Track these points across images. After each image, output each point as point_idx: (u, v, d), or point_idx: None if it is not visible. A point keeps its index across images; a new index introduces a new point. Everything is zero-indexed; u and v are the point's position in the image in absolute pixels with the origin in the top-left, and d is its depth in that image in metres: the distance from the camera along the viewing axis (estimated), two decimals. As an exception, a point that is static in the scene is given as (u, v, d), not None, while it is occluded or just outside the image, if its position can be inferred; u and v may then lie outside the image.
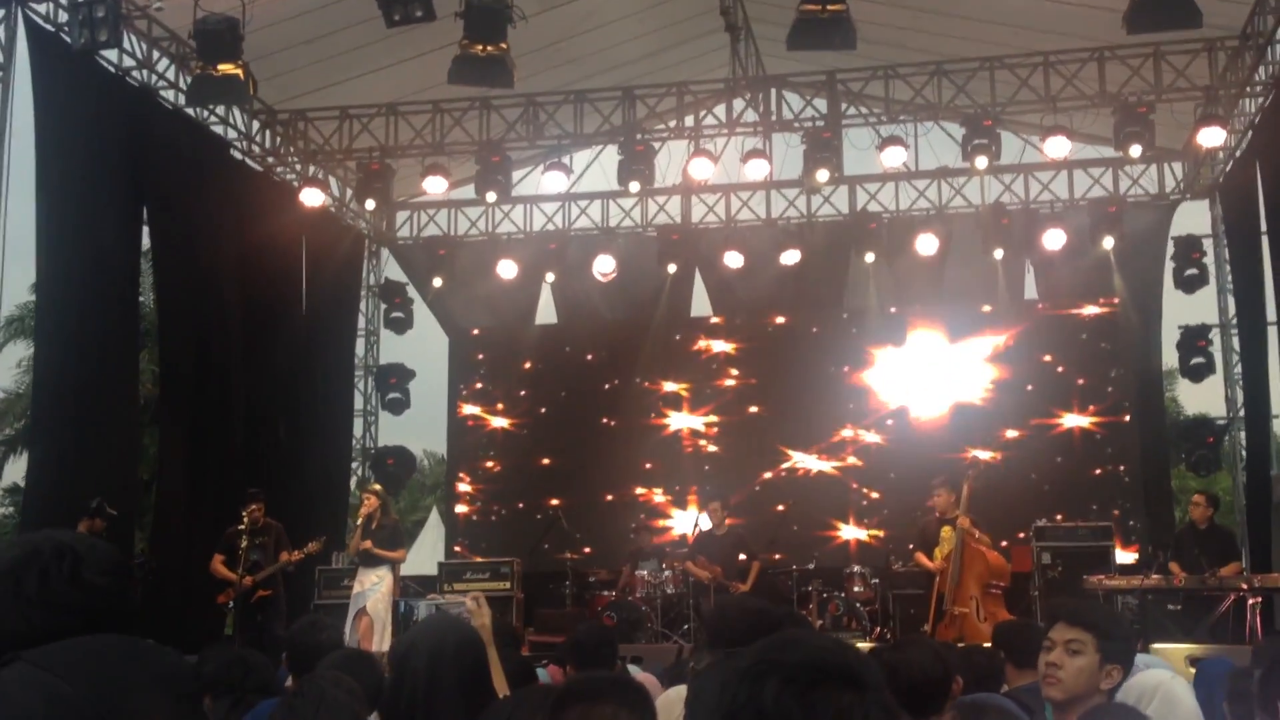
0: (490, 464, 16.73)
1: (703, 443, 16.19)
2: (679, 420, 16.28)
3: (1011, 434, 15.29)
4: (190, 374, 12.71)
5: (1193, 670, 7.12)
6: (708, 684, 2.90)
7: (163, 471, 12.88)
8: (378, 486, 12.59)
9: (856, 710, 1.60)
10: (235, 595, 11.31)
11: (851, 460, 15.77)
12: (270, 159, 15.08)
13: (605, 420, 16.41)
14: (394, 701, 3.18)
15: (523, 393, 16.78)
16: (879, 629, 12.94)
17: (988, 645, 5.75)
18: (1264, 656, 6.67)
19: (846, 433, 15.81)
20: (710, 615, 4.60)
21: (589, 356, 16.68)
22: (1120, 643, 3.42)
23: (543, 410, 16.66)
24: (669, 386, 16.40)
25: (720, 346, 16.41)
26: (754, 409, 16.10)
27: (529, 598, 13.48)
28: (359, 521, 11.92)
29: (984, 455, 14.46)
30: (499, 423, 16.77)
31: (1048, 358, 15.60)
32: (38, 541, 2.14)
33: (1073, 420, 15.32)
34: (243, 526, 11.40)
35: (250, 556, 11.44)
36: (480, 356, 17.16)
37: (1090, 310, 15.66)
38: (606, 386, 16.55)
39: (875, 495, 15.57)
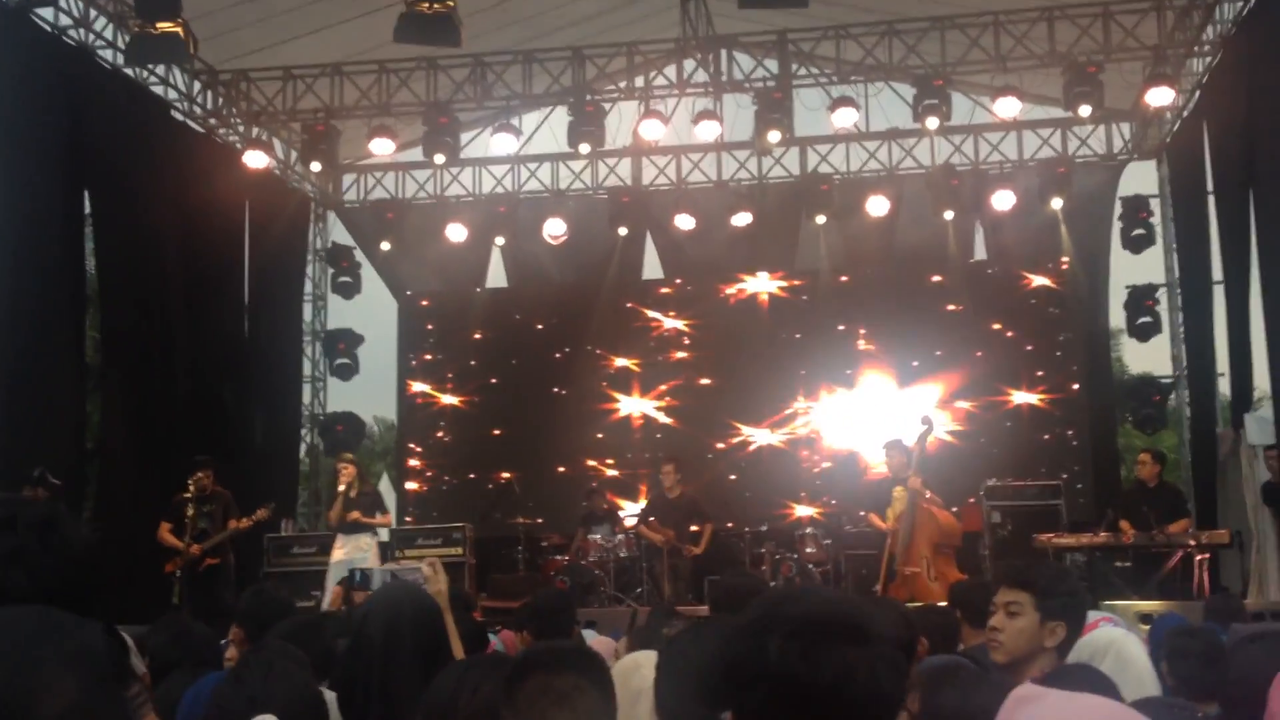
0: (440, 435, 16.57)
1: (654, 417, 16.04)
2: (630, 405, 16.12)
3: (962, 404, 15.25)
4: (132, 340, 12.46)
5: (1145, 627, 7.21)
6: (685, 648, 2.86)
7: (106, 439, 12.67)
8: (350, 455, 12.51)
9: (862, 665, 1.57)
10: (183, 564, 11.18)
11: (801, 431, 15.73)
12: (212, 120, 14.78)
13: (556, 390, 16.27)
14: (350, 670, 3.11)
15: (472, 362, 16.60)
16: (828, 582, 13.02)
17: (943, 605, 5.77)
18: (1214, 612, 6.78)
19: (799, 403, 15.76)
20: (714, 587, 4.58)
21: (539, 325, 16.50)
22: (1060, 599, 3.42)
23: (493, 380, 16.49)
24: (620, 362, 16.21)
25: (671, 323, 16.24)
26: (705, 381, 15.99)
27: (481, 563, 13.45)
28: (340, 489, 11.84)
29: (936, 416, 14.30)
30: (449, 399, 16.56)
31: (996, 325, 15.61)
32: (14, 503, 2.04)
33: (1022, 397, 15.31)
34: (189, 494, 11.25)
35: (198, 524, 11.31)
36: (429, 326, 16.94)
37: (1039, 279, 15.63)
38: (557, 355, 16.39)
39: (826, 465, 15.56)
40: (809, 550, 13.18)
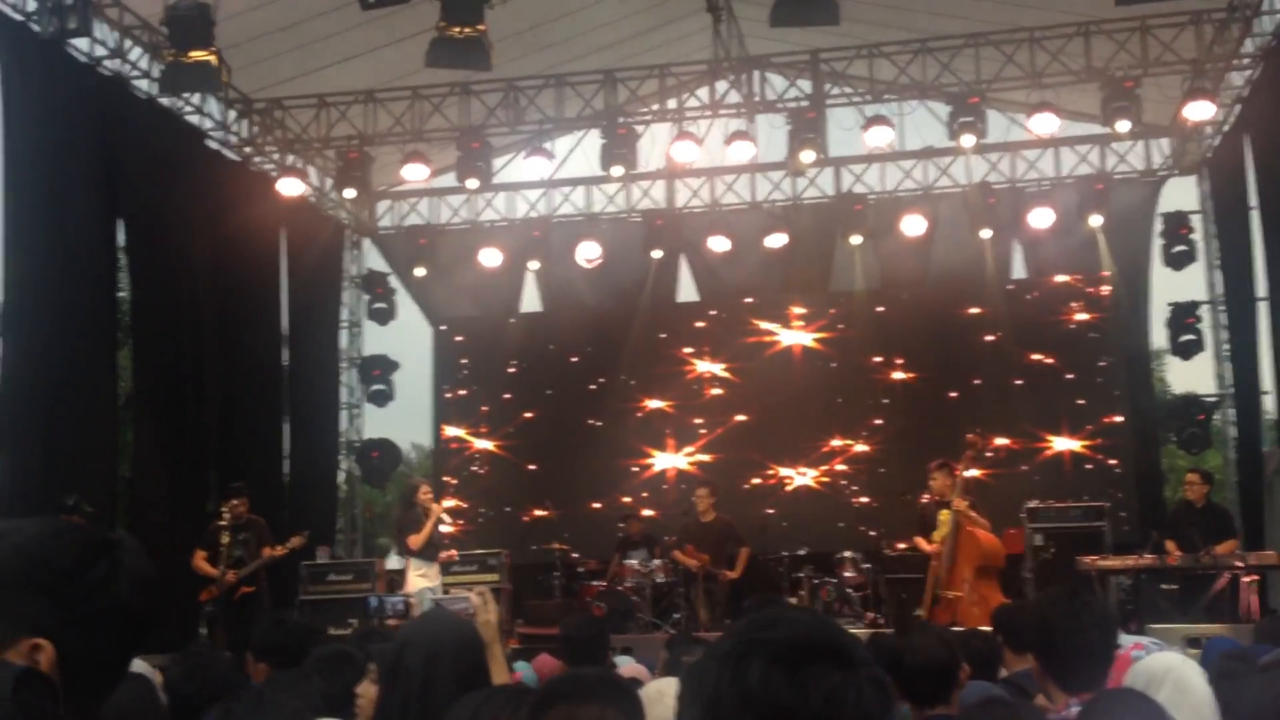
0: (476, 468, 16.41)
1: (689, 470, 15.64)
2: (664, 460, 15.82)
3: (1002, 441, 14.69)
4: (165, 369, 12.49)
5: (1194, 651, 7.03)
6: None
7: (139, 468, 12.66)
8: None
9: (849, 688, 1.49)
10: (218, 593, 11.14)
11: (840, 467, 15.49)
12: (247, 149, 14.86)
13: (591, 421, 16.16)
14: (387, 700, 3.03)
15: (506, 395, 16.48)
16: (871, 614, 12.83)
17: (985, 629, 5.63)
18: (1266, 636, 6.59)
19: (835, 442, 15.52)
20: (742, 615, 4.48)
21: (573, 358, 16.31)
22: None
23: (527, 416, 16.35)
24: (653, 404, 15.97)
25: (705, 366, 15.98)
26: (741, 417, 15.69)
27: (518, 589, 13.35)
28: (431, 515, 11.60)
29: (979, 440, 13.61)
30: (483, 444, 16.43)
31: (1036, 355, 15.19)
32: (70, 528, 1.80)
33: (1063, 443, 14.88)
34: (224, 522, 11.22)
35: (233, 553, 11.26)
36: (464, 360, 16.84)
37: (1079, 304, 15.26)
38: (592, 387, 16.25)
39: (865, 500, 15.29)
40: (848, 574, 13.01)
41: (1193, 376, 16.93)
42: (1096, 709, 2.83)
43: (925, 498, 11.73)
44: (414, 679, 2.96)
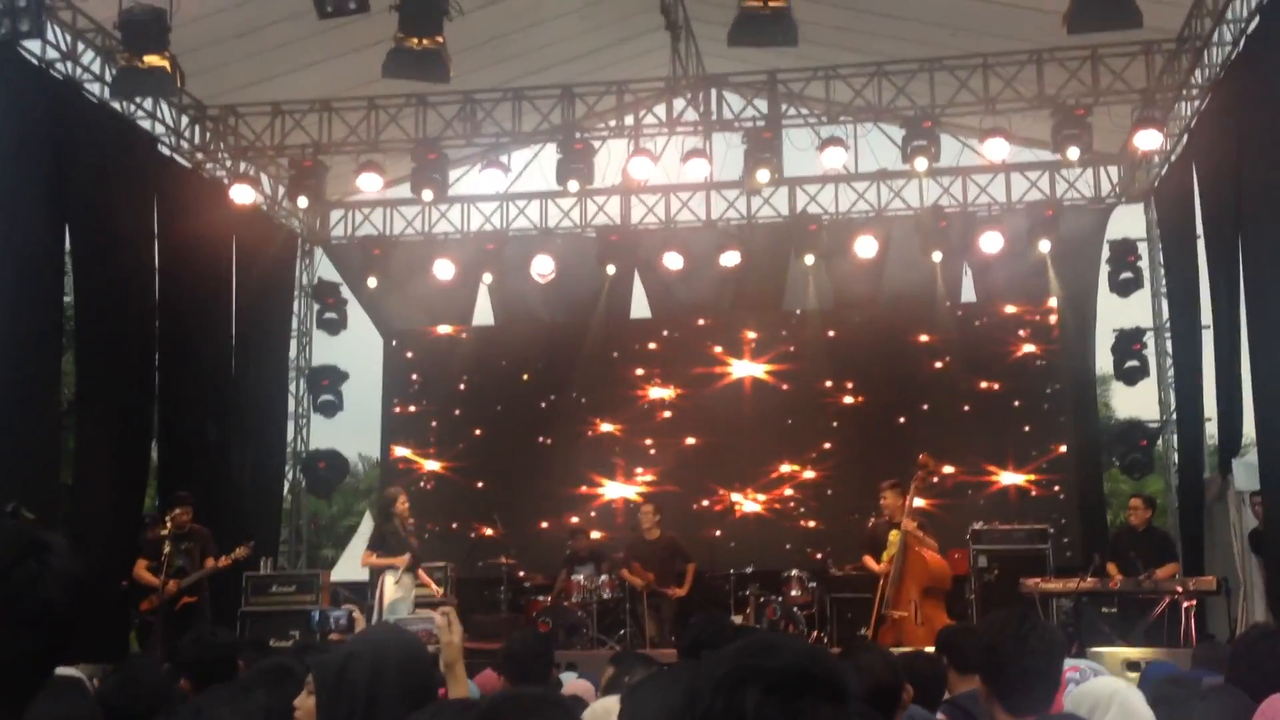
0: (424, 485, 16.29)
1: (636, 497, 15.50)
2: (614, 490, 15.82)
3: (949, 470, 14.72)
4: (110, 375, 12.31)
5: (1132, 674, 7.11)
6: (646, 698, 2.75)
7: (80, 475, 12.46)
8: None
9: None
10: (159, 602, 11.01)
11: (789, 492, 15.57)
12: (199, 155, 14.73)
13: (541, 439, 16.15)
14: (330, 715, 2.98)
15: (456, 412, 16.47)
16: (816, 633, 12.89)
17: (929, 650, 5.66)
18: (1203, 661, 6.67)
19: (785, 468, 15.59)
20: (683, 634, 4.48)
21: (525, 375, 16.33)
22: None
23: (477, 432, 16.33)
24: (605, 427, 16.01)
25: (657, 392, 16.03)
26: (690, 440, 15.78)
27: (463, 603, 13.24)
28: (409, 525, 11.44)
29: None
30: (431, 465, 16.34)
31: (984, 383, 15.43)
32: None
33: (1009, 478, 15.08)
34: (166, 531, 11.09)
35: (175, 562, 11.14)
36: (414, 376, 16.80)
37: (1025, 332, 15.52)
38: (543, 405, 16.28)
39: (813, 525, 15.36)
40: (794, 593, 13.04)
41: (1136, 403, 17.12)
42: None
43: (873, 520, 11.80)
44: (358, 694, 2.92)
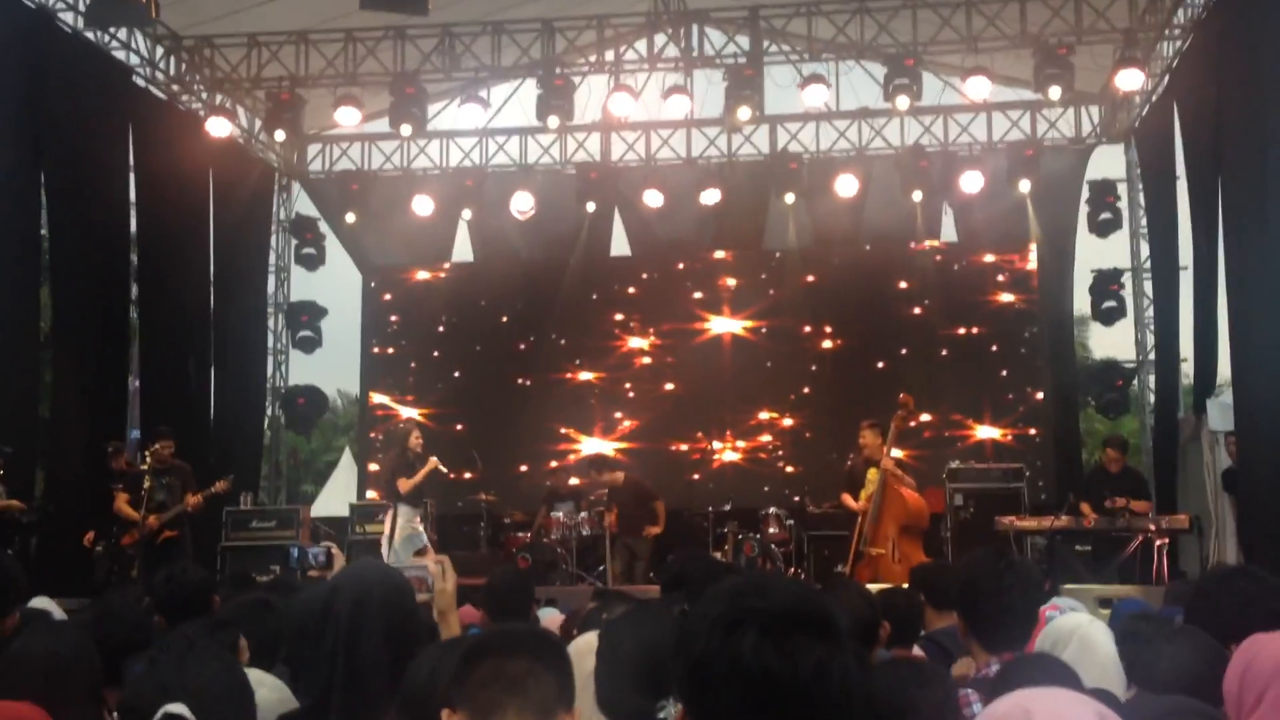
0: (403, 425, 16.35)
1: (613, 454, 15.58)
2: (590, 445, 15.83)
3: (925, 418, 14.83)
4: (86, 310, 12.19)
5: (1104, 611, 7.20)
6: (623, 635, 2.78)
7: (57, 408, 12.37)
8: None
9: (835, 661, 1.54)
10: (139, 537, 11.02)
11: (766, 438, 15.68)
12: (175, 87, 14.54)
13: (520, 380, 16.18)
14: (313, 649, 2.99)
15: (435, 353, 16.54)
16: (794, 570, 13.01)
17: (906, 587, 5.72)
18: (1175, 598, 6.76)
19: (763, 415, 15.69)
20: (663, 570, 4.52)
21: (504, 317, 16.40)
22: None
23: (456, 374, 16.38)
24: (584, 375, 16.07)
25: (636, 342, 16.12)
26: (669, 386, 15.92)
27: (443, 540, 13.30)
28: (428, 468, 11.40)
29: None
30: (409, 412, 16.33)
31: (961, 330, 15.58)
32: None
33: (986, 431, 15.25)
34: (147, 465, 11.08)
35: (156, 496, 11.13)
36: (392, 317, 16.84)
37: (1004, 275, 15.63)
38: (522, 346, 16.32)
39: (791, 470, 15.50)
40: (772, 530, 13.14)
41: (1111, 343, 17.21)
42: (1012, 670, 2.89)
43: (850, 460, 11.85)
44: (341, 627, 2.93)
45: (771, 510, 13.36)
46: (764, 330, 15.87)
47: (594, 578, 12.52)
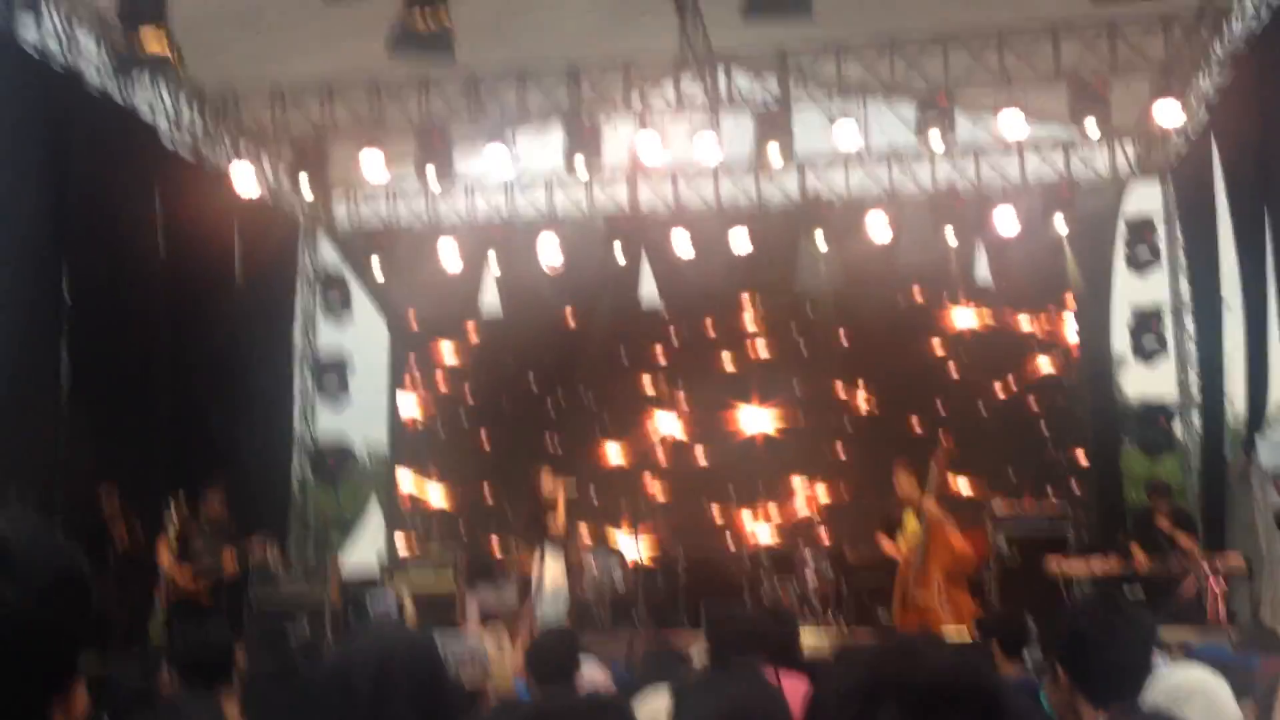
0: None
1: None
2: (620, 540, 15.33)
3: (967, 492, 14.59)
4: (107, 365, 11.97)
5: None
6: (704, 702, 2.52)
7: (73, 464, 12.11)
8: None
9: None
10: (173, 596, 10.82)
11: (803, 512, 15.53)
12: (200, 139, 14.45)
13: (549, 437, 16.04)
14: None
15: (463, 416, 16.47)
16: (828, 610, 12.74)
17: (971, 639, 5.44)
18: (1248, 643, 6.47)
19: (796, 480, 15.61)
20: (716, 627, 4.22)
21: (530, 377, 16.38)
22: (1054, 643, 3.10)
23: (486, 447, 16.38)
24: (615, 460, 16.03)
25: (667, 429, 16.13)
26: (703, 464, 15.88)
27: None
28: (562, 502, 11.13)
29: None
30: (437, 500, 16.42)
31: (1002, 395, 15.52)
32: None
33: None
34: (195, 520, 10.96)
35: (197, 553, 10.98)
36: (413, 367, 16.86)
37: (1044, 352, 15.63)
38: (549, 405, 16.28)
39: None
40: (808, 575, 12.89)
41: (1146, 384, 16.89)
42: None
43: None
44: (359, 702, 2.66)
45: (809, 554, 13.09)
46: (792, 437, 15.76)
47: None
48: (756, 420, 15.91)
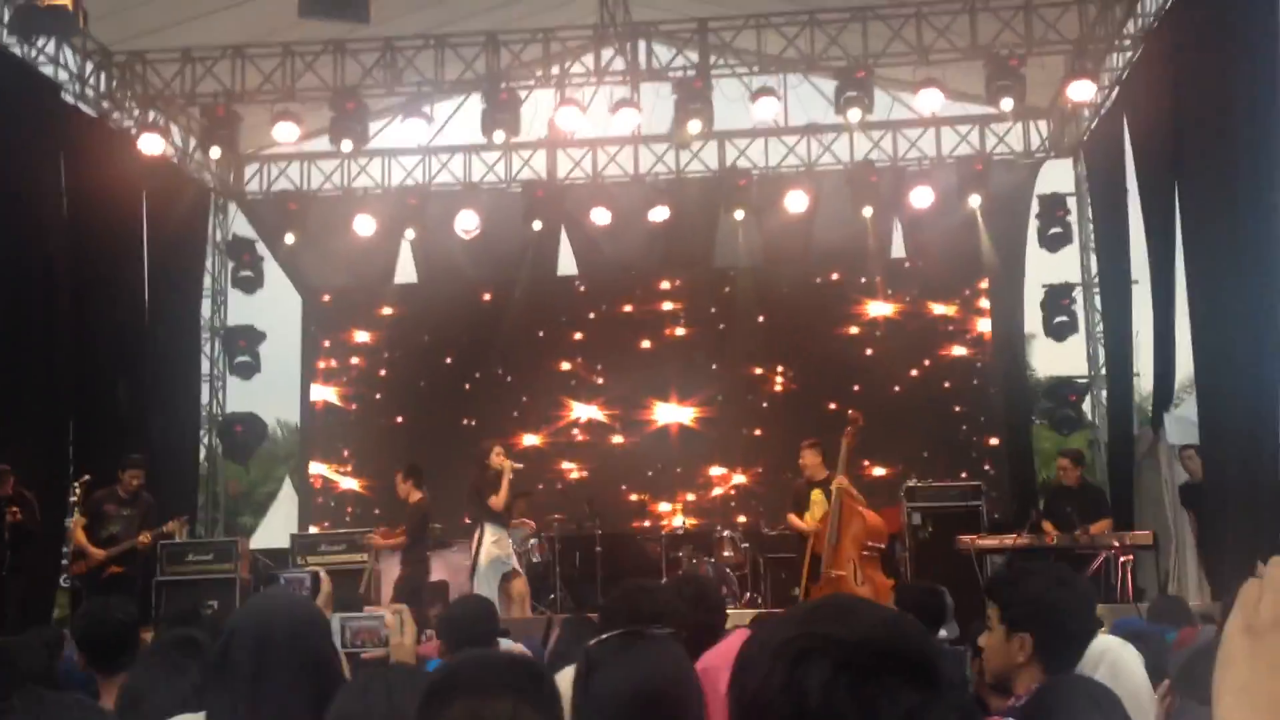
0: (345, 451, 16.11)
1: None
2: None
3: (880, 472, 14.74)
4: (8, 334, 11.62)
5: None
6: (617, 668, 2.43)
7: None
8: None
9: (930, 714, 1.19)
10: (85, 569, 10.56)
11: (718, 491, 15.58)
12: (105, 104, 14.03)
13: (466, 421, 15.81)
14: (215, 701, 2.62)
15: (378, 397, 16.23)
16: (749, 594, 12.73)
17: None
18: (1160, 615, 6.55)
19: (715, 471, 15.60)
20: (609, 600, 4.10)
21: (447, 360, 16.13)
22: (1019, 608, 3.07)
23: (399, 420, 16.11)
24: (529, 439, 15.84)
25: (582, 410, 15.96)
26: (617, 440, 15.83)
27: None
28: (507, 478, 10.83)
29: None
30: (348, 484, 16.15)
31: (914, 371, 15.67)
32: None
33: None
34: (116, 494, 10.69)
35: (109, 529, 10.71)
36: (332, 343, 16.52)
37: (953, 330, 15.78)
38: (467, 386, 16.02)
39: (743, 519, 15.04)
40: (726, 554, 12.90)
41: (1055, 360, 17.12)
42: (1052, 693, 2.60)
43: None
44: (240, 674, 2.57)
45: (726, 533, 13.09)
46: (711, 427, 15.72)
47: (543, 606, 12.15)
48: (674, 412, 15.85)
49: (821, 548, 10.50)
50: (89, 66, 13.75)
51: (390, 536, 11.76)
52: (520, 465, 11.49)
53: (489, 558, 10.58)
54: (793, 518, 11.10)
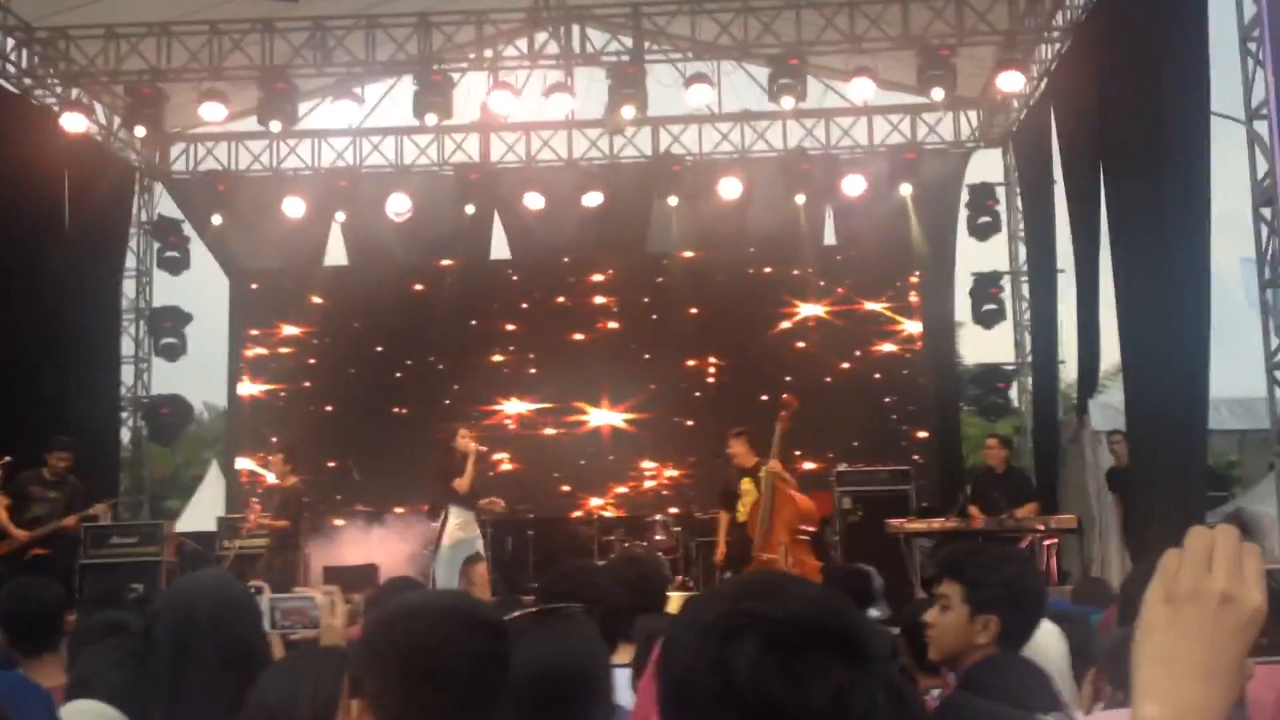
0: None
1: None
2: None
3: (810, 466, 14.58)
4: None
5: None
6: (524, 647, 2.42)
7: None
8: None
9: (859, 690, 1.18)
10: (6, 550, 10.36)
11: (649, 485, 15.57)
12: (27, 80, 13.73)
13: (396, 410, 15.68)
14: (136, 681, 2.59)
15: (307, 385, 16.03)
16: (680, 577, 12.77)
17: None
18: (1085, 597, 6.66)
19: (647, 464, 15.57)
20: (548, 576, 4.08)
21: (379, 348, 15.93)
22: (991, 590, 3.08)
23: (329, 409, 15.82)
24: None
25: (514, 407, 15.85)
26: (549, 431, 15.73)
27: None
28: (473, 460, 10.62)
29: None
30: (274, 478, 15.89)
31: (846, 365, 15.75)
32: None
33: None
34: (41, 475, 10.50)
35: (33, 510, 10.51)
36: (261, 330, 16.25)
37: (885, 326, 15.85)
38: (398, 374, 15.87)
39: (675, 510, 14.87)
40: (658, 538, 12.94)
41: (984, 347, 17.34)
42: (987, 671, 2.64)
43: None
44: (162, 654, 2.55)
45: (658, 517, 13.13)
46: (644, 429, 15.67)
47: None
48: (606, 416, 15.81)
49: (754, 531, 10.52)
50: (10, 43, 13.45)
51: (266, 517, 11.60)
52: (485, 448, 11.35)
53: (452, 540, 10.49)
54: (722, 515, 10.98)
